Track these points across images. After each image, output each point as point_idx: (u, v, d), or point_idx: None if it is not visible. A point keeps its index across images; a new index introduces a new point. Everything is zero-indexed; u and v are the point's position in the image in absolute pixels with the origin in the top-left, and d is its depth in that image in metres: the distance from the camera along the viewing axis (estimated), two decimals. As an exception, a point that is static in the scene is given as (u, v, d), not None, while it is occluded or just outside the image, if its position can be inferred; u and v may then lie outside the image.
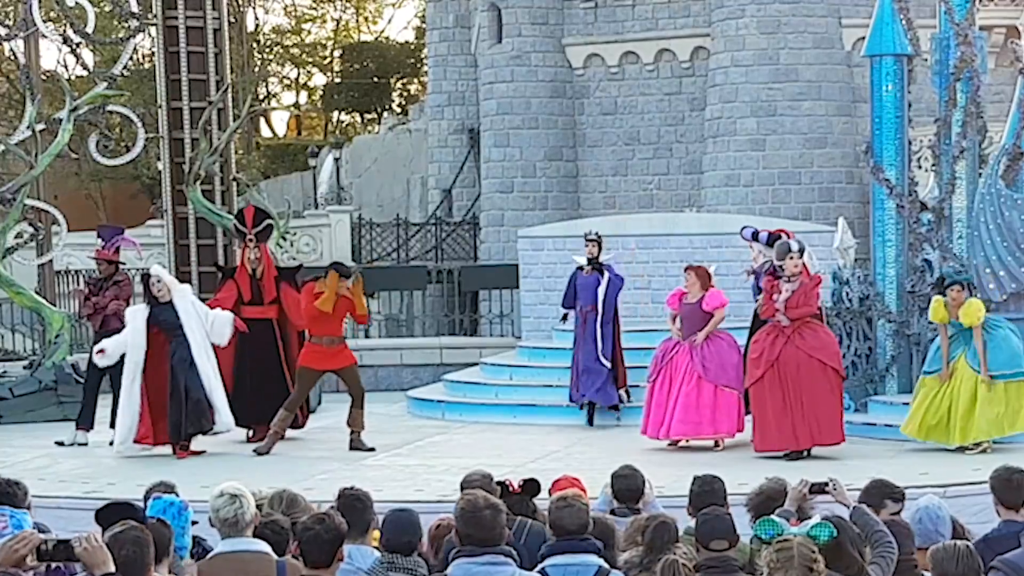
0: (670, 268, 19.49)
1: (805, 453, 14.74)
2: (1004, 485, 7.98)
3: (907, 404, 15.57)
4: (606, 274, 17.51)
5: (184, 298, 15.68)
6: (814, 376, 14.68)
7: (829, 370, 14.72)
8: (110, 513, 6.50)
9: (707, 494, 8.00)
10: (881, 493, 8.09)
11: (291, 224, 26.90)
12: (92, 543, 5.41)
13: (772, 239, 15.95)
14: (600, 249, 17.65)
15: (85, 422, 16.86)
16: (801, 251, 15.03)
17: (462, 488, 8.20)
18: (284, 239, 24.59)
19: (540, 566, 6.95)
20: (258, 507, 7.79)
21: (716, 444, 15.66)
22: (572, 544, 6.95)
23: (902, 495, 8.17)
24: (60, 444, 16.66)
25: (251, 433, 16.57)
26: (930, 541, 7.27)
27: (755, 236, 16.52)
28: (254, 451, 15.79)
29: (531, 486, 8.42)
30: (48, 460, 15.69)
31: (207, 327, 15.62)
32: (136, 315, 15.63)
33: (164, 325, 15.47)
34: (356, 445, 15.89)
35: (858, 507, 7.17)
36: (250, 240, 16.98)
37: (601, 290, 17.37)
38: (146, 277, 15.80)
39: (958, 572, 6.47)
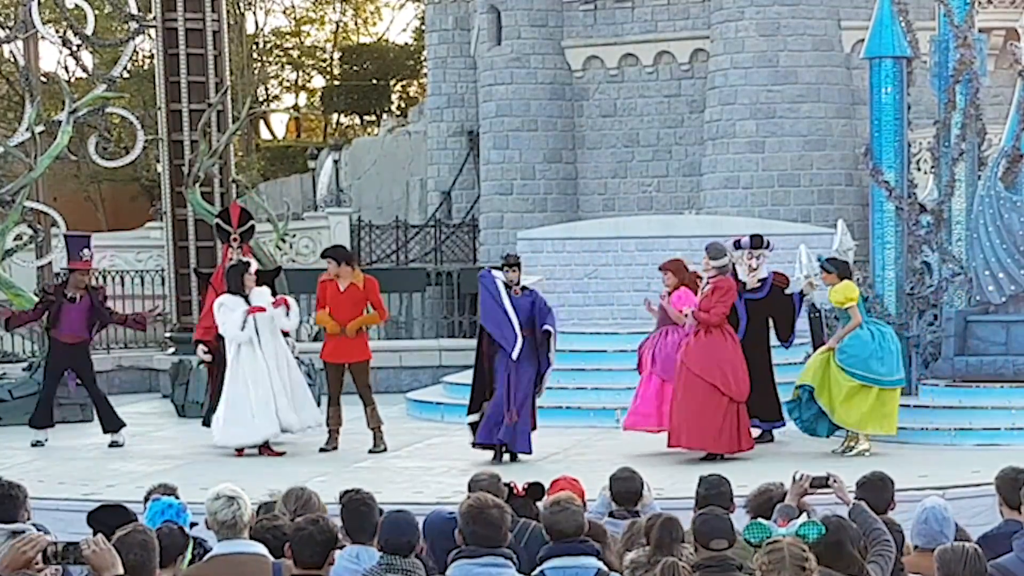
0: (669, 270, 19.47)
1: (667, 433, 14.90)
2: (1009, 484, 8.04)
3: (906, 406, 15.54)
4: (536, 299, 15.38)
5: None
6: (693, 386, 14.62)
7: (702, 382, 14.54)
8: (102, 515, 6.49)
9: (715, 496, 7.99)
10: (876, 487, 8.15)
11: (290, 226, 26.95)
12: (100, 545, 5.36)
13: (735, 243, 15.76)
14: (520, 272, 15.33)
15: (43, 423, 16.78)
16: (717, 255, 14.84)
17: (470, 488, 8.21)
18: (283, 241, 24.61)
19: (539, 569, 6.96)
20: (269, 506, 7.78)
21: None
22: (570, 547, 6.96)
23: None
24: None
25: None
26: (935, 542, 7.28)
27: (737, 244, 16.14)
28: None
29: (535, 490, 8.42)
30: (47, 462, 15.67)
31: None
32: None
33: None
34: (374, 445, 15.89)
35: (857, 504, 7.16)
36: (234, 239, 16.96)
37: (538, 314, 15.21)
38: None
39: (965, 574, 6.47)
